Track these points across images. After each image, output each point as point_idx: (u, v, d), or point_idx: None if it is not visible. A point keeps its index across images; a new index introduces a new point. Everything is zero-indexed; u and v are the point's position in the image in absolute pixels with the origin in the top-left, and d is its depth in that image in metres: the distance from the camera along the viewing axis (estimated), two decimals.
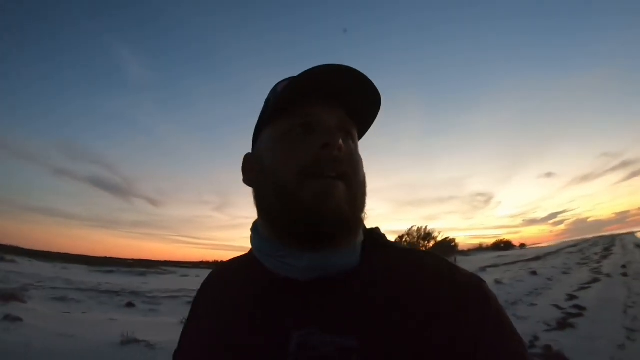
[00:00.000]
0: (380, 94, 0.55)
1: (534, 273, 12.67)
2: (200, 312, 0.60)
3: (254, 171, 0.59)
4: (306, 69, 0.52)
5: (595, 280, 10.68)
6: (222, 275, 0.63)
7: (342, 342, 0.45)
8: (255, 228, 0.59)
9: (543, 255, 22.99)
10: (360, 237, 0.56)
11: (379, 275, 0.51)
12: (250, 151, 0.63)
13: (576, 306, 6.89)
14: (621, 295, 7.80)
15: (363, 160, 0.58)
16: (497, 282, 10.85)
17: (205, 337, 0.54)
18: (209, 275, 0.65)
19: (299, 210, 0.49)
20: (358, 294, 0.49)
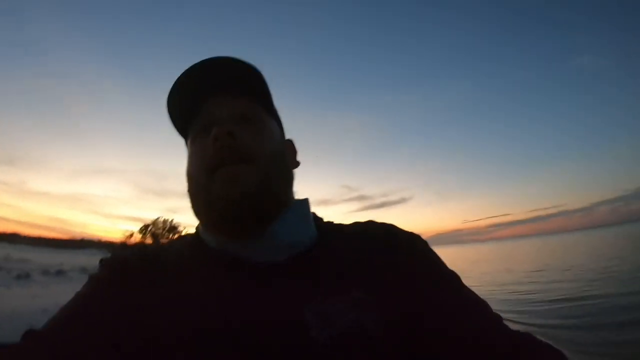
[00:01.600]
0: (260, 71, 0.59)
1: None
2: (149, 291, 0.52)
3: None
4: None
5: None
6: (162, 258, 0.58)
7: (349, 298, 0.48)
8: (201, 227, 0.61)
9: None
10: (299, 209, 0.58)
11: (340, 242, 0.58)
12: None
13: None
14: None
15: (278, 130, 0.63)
16: None
17: (187, 317, 0.47)
18: (133, 252, 0.60)
19: (213, 201, 0.52)
20: (333, 260, 0.54)
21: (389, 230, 0.61)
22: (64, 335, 0.45)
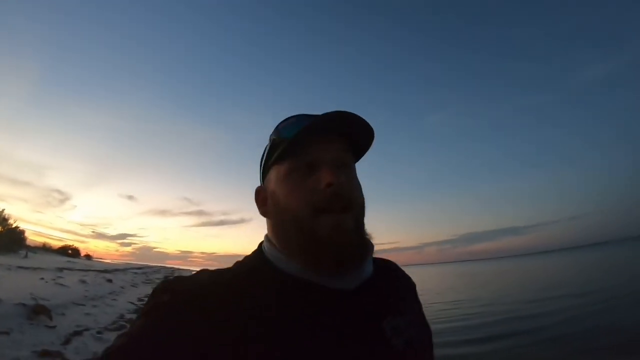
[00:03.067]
0: (372, 128, 0.66)
1: (110, 280, 14.90)
2: (227, 325, 0.52)
3: (269, 205, 0.67)
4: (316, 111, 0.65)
5: None
6: (235, 287, 0.57)
7: (409, 318, 0.65)
8: (272, 250, 0.65)
9: (112, 270, 25.11)
10: (371, 247, 0.67)
11: (384, 276, 0.70)
12: (259, 184, 0.73)
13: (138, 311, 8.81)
14: None
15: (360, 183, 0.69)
16: (82, 281, 12.63)
17: (277, 348, 0.51)
18: (202, 283, 0.57)
19: (318, 244, 0.58)
20: (385, 289, 0.67)
21: (400, 269, 0.78)
22: None
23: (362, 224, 0.64)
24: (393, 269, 0.76)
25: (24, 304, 5.76)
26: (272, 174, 0.67)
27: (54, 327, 5.34)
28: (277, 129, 0.67)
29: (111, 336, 5.36)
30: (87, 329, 5.58)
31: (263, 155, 0.71)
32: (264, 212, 0.69)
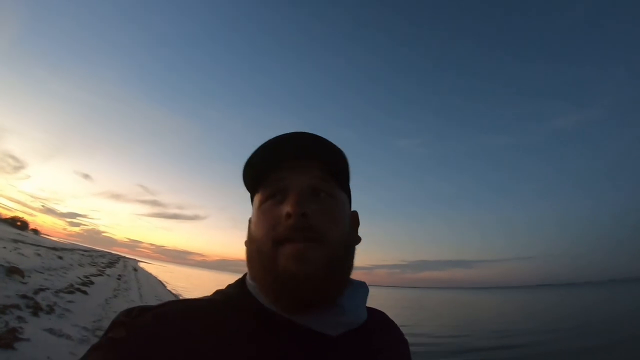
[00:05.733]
0: (341, 150, 0.58)
1: (60, 257, 17.52)
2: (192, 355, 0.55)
3: (247, 236, 0.60)
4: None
5: (100, 275, 16.01)
6: (210, 320, 0.56)
7: None
8: (251, 282, 0.58)
9: (60, 248, 26.51)
10: (361, 290, 0.58)
11: (378, 326, 0.61)
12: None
13: (86, 283, 11.36)
14: (110, 288, 12.25)
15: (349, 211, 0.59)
16: (37, 254, 14.88)
17: None
18: (165, 318, 0.55)
19: (275, 276, 0.56)
20: (375, 344, 0.58)
21: (393, 323, 0.66)
22: None
23: (338, 261, 0.57)
24: (387, 323, 0.65)
25: (1, 265, 7.89)
26: (253, 204, 0.60)
27: (25, 283, 7.58)
28: (248, 159, 0.61)
29: (65, 297, 7.57)
30: (48, 289, 7.77)
31: None
32: (245, 242, 0.61)
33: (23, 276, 7.88)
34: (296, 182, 0.58)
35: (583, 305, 33.41)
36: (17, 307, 5.29)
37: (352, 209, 0.62)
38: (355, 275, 0.58)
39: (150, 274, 37.80)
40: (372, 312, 0.63)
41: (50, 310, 5.89)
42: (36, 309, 5.56)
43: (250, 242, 0.58)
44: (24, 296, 6.22)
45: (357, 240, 0.60)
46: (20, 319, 4.77)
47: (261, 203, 0.58)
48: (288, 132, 0.58)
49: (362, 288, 0.58)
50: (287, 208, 0.57)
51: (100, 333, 5.60)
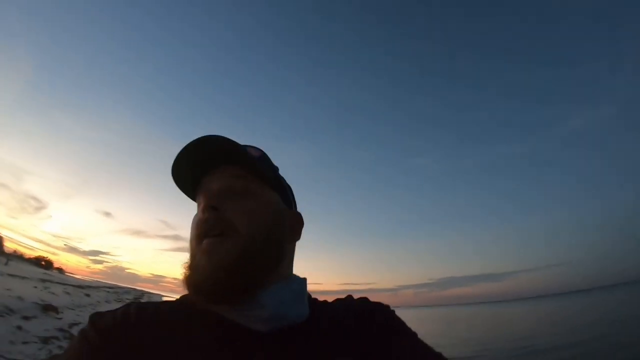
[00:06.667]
0: (249, 150, 0.62)
1: (88, 295, 18.38)
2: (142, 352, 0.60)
3: None
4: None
5: None
6: (158, 317, 0.60)
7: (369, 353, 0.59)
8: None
9: (86, 286, 27.65)
10: (293, 285, 0.60)
11: (325, 318, 0.61)
12: None
13: None
14: None
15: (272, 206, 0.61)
16: (66, 292, 15.62)
17: None
18: (126, 313, 0.61)
19: (193, 270, 0.60)
20: (319, 334, 0.60)
21: (363, 302, 0.63)
22: None
23: (254, 254, 0.60)
24: (352, 307, 0.63)
25: (37, 303, 8.67)
26: None
27: (60, 319, 8.31)
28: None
29: None
30: (80, 323, 8.46)
31: None
32: None
33: (57, 312, 8.66)
34: (208, 184, 0.62)
35: (604, 310, 32.31)
36: (56, 338, 6.01)
37: (298, 212, 0.65)
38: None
39: None
40: (339, 301, 0.64)
41: None
42: None
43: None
44: (60, 329, 6.92)
45: (293, 237, 0.62)
46: (60, 347, 5.44)
47: (195, 209, 0.63)
48: (196, 138, 0.61)
49: (294, 283, 0.60)
50: (199, 206, 0.61)
51: None
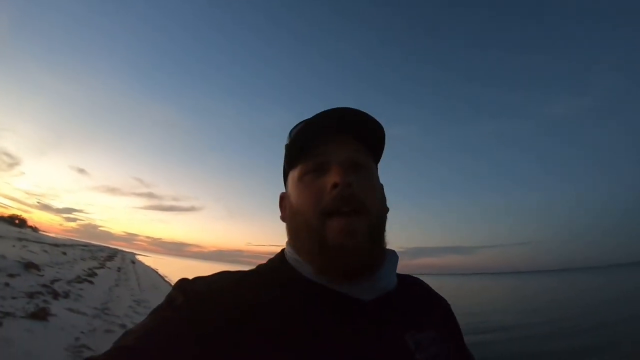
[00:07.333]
0: (382, 124, 0.63)
1: (65, 253, 19.36)
2: (248, 330, 0.53)
3: (286, 211, 0.67)
4: (318, 111, 0.60)
5: (101, 268, 17.52)
6: (256, 287, 0.57)
7: (435, 334, 0.61)
8: (292, 254, 0.64)
9: (61, 244, 28.47)
10: (393, 258, 0.64)
11: (408, 291, 0.67)
12: (284, 190, 0.72)
13: (91, 274, 12.75)
14: (112, 279, 13.69)
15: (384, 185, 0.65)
16: (44, 251, 16.95)
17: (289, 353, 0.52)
18: (219, 286, 0.56)
19: (325, 249, 0.56)
20: (409, 303, 0.64)
21: (429, 288, 0.74)
22: None
23: (378, 231, 0.61)
24: (421, 285, 0.73)
25: (19, 261, 9.41)
26: (290, 179, 0.67)
27: (42, 275, 9.10)
28: (289, 134, 0.67)
29: (76, 286, 9.09)
30: (61, 279, 9.30)
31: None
32: (282, 217, 0.69)
33: (39, 270, 9.39)
34: (338, 155, 0.61)
35: (572, 290, 33.68)
36: (41, 293, 6.76)
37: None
38: None
39: (147, 267, 39.25)
40: (404, 277, 0.70)
41: (67, 295, 7.42)
42: (55, 295, 7.04)
43: (293, 216, 0.63)
44: (44, 285, 7.71)
45: (387, 210, 0.67)
46: (45, 301, 6.20)
47: (301, 176, 0.63)
48: (331, 107, 0.59)
49: (394, 256, 0.65)
50: (333, 178, 0.58)
51: (108, 312, 7.53)
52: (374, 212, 0.60)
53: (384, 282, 0.62)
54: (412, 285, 0.71)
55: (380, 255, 0.61)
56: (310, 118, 0.62)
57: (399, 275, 0.68)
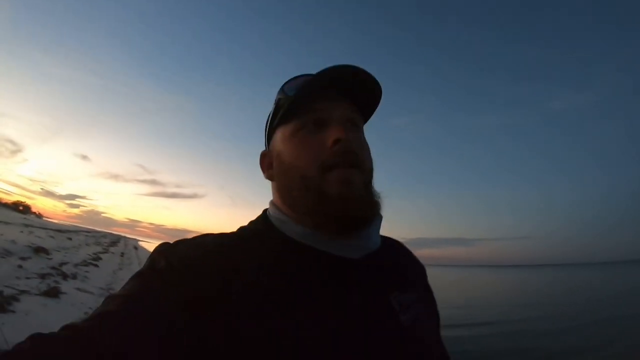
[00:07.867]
0: (381, 85, 0.62)
1: (70, 239, 20.29)
2: (232, 286, 0.50)
3: (275, 168, 0.64)
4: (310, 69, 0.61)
5: (105, 252, 18.54)
6: (240, 249, 0.55)
7: (416, 296, 0.62)
8: (277, 214, 0.62)
9: (65, 230, 29.25)
10: (378, 217, 0.62)
11: (392, 252, 0.68)
12: (264, 149, 0.71)
13: (96, 259, 13.48)
14: (115, 263, 14.75)
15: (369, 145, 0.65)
16: (50, 236, 17.49)
17: (280, 313, 0.48)
18: (202, 242, 0.55)
19: (326, 201, 0.55)
20: (392, 265, 0.64)
21: (409, 251, 0.75)
22: (108, 331, 0.42)
23: (371, 186, 0.61)
24: (401, 248, 0.74)
25: (29, 246, 10.09)
26: (278, 135, 0.65)
27: (51, 259, 9.83)
28: (282, 89, 0.65)
29: (83, 268, 9.82)
30: (68, 263, 10.04)
31: (268, 117, 0.68)
32: (269, 175, 0.67)
33: (48, 254, 10.08)
34: (339, 113, 0.61)
35: (569, 286, 33.48)
36: (51, 275, 7.48)
37: None
38: None
39: (150, 252, 39.68)
40: (385, 238, 0.70)
41: (74, 277, 8.14)
42: (64, 276, 7.76)
43: (285, 172, 0.62)
44: (53, 267, 8.41)
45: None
46: (56, 282, 6.88)
47: (294, 133, 0.61)
48: (339, 64, 0.58)
49: (379, 215, 0.62)
50: (336, 134, 0.57)
51: (112, 291, 7.57)
52: (367, 170, 0.61)
53: (371, 242, 0.62)
54: (393, 247, 0.72)
55: (375, 208, 0.60)
56: (311, 75, 0.61)
57: (380, 236, 0.67)
